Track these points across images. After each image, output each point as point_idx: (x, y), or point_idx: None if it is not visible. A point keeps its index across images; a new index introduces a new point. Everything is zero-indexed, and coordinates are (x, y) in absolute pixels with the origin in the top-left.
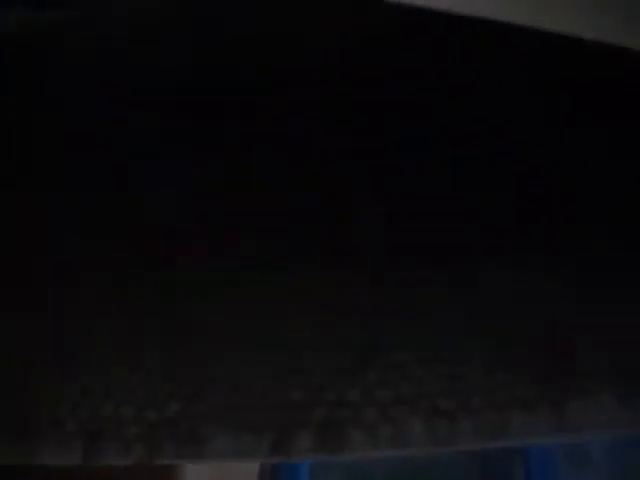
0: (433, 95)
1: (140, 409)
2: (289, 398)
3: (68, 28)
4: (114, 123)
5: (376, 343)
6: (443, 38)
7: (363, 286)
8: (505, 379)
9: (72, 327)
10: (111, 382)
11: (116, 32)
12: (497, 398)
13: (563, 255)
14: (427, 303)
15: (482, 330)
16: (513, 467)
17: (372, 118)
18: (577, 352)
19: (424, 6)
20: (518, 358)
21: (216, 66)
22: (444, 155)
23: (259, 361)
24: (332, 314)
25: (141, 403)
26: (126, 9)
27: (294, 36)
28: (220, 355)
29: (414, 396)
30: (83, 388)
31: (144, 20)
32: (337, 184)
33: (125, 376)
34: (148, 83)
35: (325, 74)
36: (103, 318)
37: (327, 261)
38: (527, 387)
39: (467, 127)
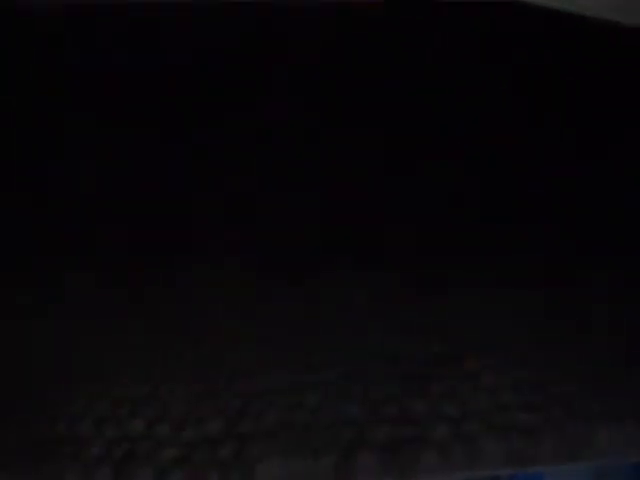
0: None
1: (176, 427)
2: (348, 413)
3: None
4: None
5: (442, 350)
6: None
7: (427, 290)
8: (592, 389)
9: (99, 334)
10: (142, 396)
11: None
12: (582, 410)
13: None
14: (500, 306)
15: (566, 335)
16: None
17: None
18: None
19: None
20: (605, 365)
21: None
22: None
23: (312, 371)
24: (393, 320)
25: (177, 420)
26: None
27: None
28: (266, 365)
29: (488, 409)
30: (111, 402)
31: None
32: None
33: (158, 389)
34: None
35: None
36: (131, 327)
37: (387, 267)
38: (615, 398)
39: None
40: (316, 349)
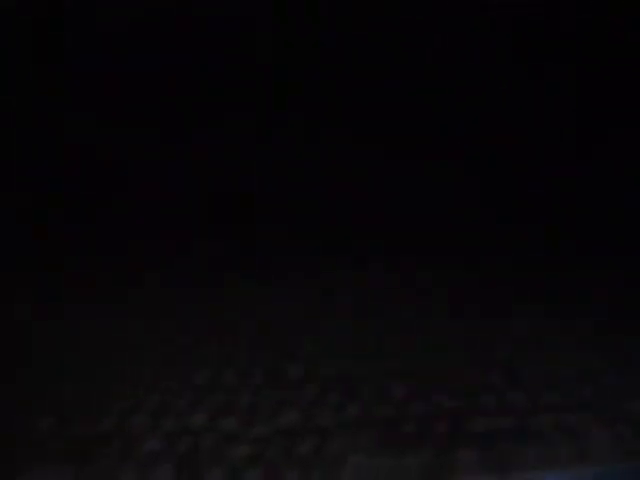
0: None
1: (245, 421)
2: (440, 405)
3: None
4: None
5: (536, 331)
6: None
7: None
8: None
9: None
10: (202, 386)
11: None
12: None
13: None
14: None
15: None
16: None
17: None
18: None
19: None
20: None
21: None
22: None
23: (397, 361)
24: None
25: (245, 411)
26: None
27: None
28: (348, 354)
29: (594, 399)
30: (167, 390)
31: None
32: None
33: (222, 378)
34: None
35: None
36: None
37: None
38: None
39: None
40: (381, 338)
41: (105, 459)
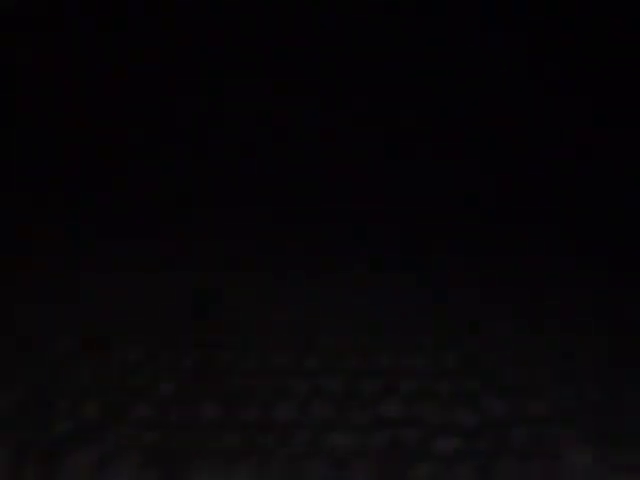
0: None
1: (445, 407)
2: None
3: None
4: None
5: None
6: None
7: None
8: None
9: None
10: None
11: None
12: None
13: None
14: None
15: None
16: None
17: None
18: None
19: None
20: None
21: None
22: None
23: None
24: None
25: (445, 401)
26: None
27: None
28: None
29: None
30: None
31: None
32: None
33: (411, 360)
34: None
35: None
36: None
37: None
38: None
39: None
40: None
41: (287, 455)
